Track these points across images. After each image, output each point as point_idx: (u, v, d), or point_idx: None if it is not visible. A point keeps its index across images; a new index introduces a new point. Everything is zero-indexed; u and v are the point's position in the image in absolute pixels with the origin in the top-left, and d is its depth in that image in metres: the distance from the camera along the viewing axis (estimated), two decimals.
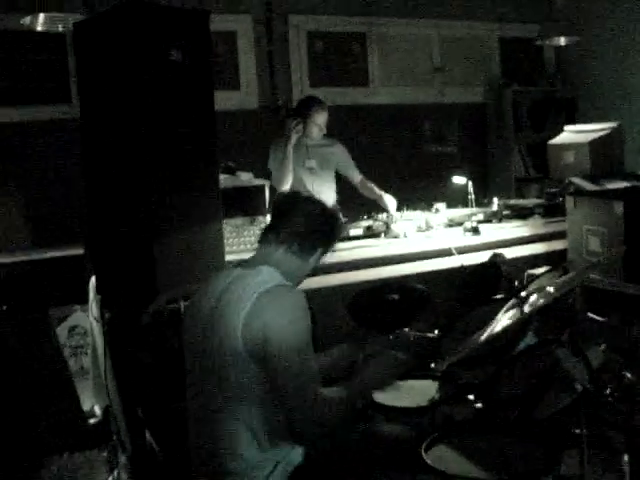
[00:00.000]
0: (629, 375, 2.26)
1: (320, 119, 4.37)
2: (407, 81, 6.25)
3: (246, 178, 3.88)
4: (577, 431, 1.99)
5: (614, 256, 2.38)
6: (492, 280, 2.62)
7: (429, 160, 6.32)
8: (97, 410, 3.72)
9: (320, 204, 2.24)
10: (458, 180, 4.17)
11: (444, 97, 6.35)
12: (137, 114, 2.96)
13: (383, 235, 4.01)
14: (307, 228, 2.11)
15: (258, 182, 3.88)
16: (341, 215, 2.50)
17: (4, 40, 4.60)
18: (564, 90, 6.49)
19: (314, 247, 2.14)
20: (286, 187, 4.32)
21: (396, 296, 2.75)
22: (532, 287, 2.36)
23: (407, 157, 6.24)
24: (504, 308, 2.13)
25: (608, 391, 1.95)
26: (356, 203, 4.68)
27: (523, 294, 2.04)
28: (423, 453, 1.95)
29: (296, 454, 2.01)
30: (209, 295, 2.07)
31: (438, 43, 6.32)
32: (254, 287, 1.95)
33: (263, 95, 5.74)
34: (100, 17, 3.12)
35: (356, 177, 4.61)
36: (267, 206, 3.77)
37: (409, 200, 4.60)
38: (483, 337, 1.89)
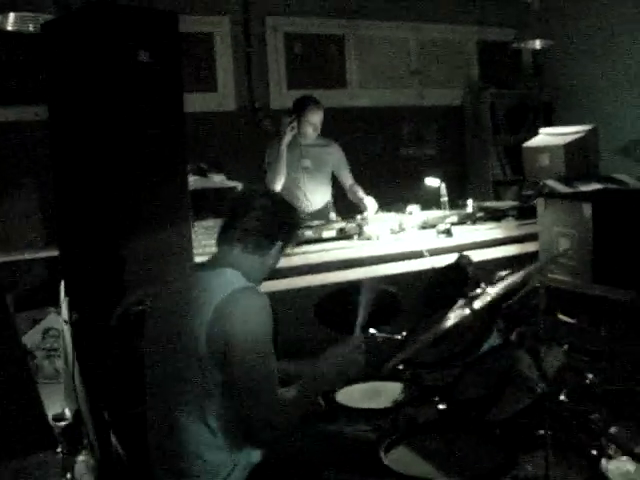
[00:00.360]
0: (591, 376, 2.28)
1: (315, 118, 4.37)
2: (385, 83, 6.27)
3: (218, 180, 3.88)
4: (540, 432, 2.00)
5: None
6: (457, 282, 2.63)
7: (407, 162, 6.34)
8: (67, 413, 3.70)
9: (274, 198, 2.19)
10: (431, 182, 4.17)
11: (422, 100, 6.38)
12: (104, 115, 2.95)
13: (356, 237, 4.00)
14: (261, 225, 2.06)
15: (231, 184, 3.88)
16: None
17: None
18: (541, 93, 6.53)
19: (272, 242, 2.10)
20: (278, 186, 4.33)
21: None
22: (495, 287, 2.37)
23: (385, 159, 6.25)
24: (453, 308, 2.14)
25: (564, 393, 1.95)
26: (351, 203, 4.68)
27: (472, 293, 2.05)
28: (382, 454, 1.95)
29: (255, 454, 2.00)
30: (169, 298, 2.06)
31: (416, 46, 6.35)
32: (217, 290, 1.93)
33: (240, 97, 5.74)
34: (68, 17, 3.11)
35: (348, 180, 4.63)
36: None
37: (388, 202, 4.61)
38: (429, 337, 1.90)
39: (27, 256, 4.53)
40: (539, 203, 3.62)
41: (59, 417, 3.70)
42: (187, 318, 1.92)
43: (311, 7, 5.87)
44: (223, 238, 2.10)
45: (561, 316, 3.21)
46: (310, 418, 2.24)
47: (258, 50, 5.78)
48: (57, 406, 3.83)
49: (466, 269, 2.63)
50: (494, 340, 2.37)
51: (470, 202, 4.41)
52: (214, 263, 2.07)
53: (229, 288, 1.93)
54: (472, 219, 4.30)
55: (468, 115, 6.47)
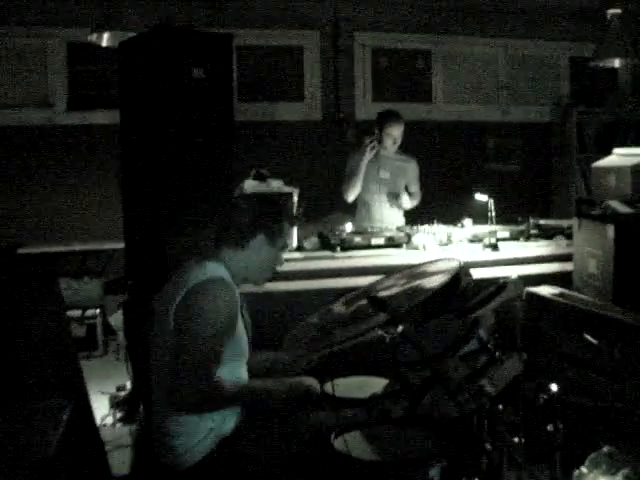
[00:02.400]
0: (554, 389, 2.39)
1: (395, 132, 4.59)
2: (471, 98, 6.38)
3: (276, 185, 4.16)
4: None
5: None
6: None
7: (491, 178, 6.37)
8: (128, 385, 4.16)
9: (254, 197, 2.40)
10: (480, 198, 4.26)
11: (509, 115, 6.42)
12: (161, 124, 3.36)
13: (405, 246, 4.17)
14: (237, 220, 2.33)
15: (287, 189, 4.16)
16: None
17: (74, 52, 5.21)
18: (637, 112, 6.37)
19: (250, 235, 2.33)
20: (351, 197, 4.65)
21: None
22: None
23: (468, 174, 6.32)
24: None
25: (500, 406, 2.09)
26: (422, 213, 4.85)
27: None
28: (332, 436, 2.19)
29: (228, 425, 2.29)
30: (168, 281, 2.40)
31: (504, 61, 6.40)
32: (193, 278, 2.24)
33: (326, 107, 6.05)
34: (140, 37, 3.55)
35: (412, 190, 4.82)
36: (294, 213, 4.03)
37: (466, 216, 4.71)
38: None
39: (115, 246, 5.05)
40: (574, 223, 3.67)
41: (121, 387, 4.17)
42: (167, 300, 2.25)
43: (399, 23, 6.10)
44: (215, 237, 2.40)
45: (587, 336, 3.27)
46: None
47: (345, 64, 6.08)
48: (123, 379, 4.31)
49: (461, 281, 2.76)
50: (473, 347, 2.51)
51: (530, 219, 4.47)
52: (205, 257, 2.36)
53: (202, 277, 2.24)
54: (525, 235, 4.36)
55: (555, 132, 6.43)
